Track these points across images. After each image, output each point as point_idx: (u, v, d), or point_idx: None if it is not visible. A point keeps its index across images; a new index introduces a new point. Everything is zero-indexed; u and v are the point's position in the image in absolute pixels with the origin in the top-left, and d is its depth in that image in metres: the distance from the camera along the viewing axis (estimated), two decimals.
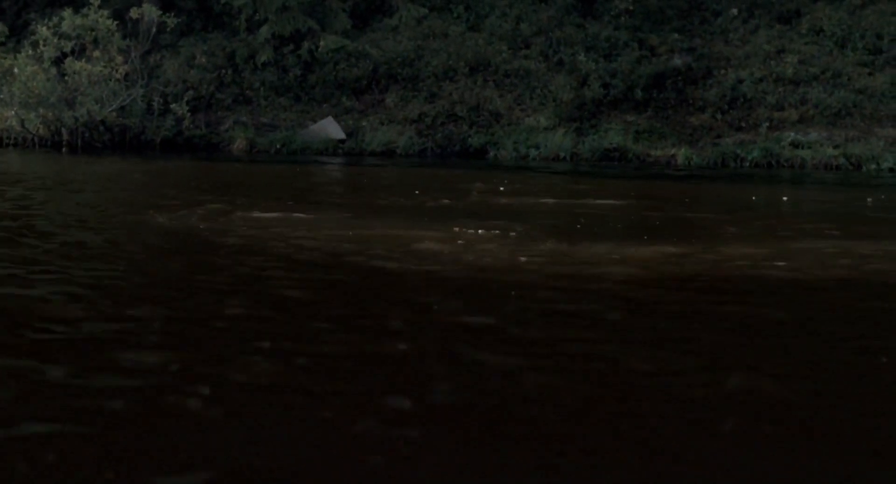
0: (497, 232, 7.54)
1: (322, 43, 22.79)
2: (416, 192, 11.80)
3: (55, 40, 21.29)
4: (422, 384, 3.68)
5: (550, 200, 11.69)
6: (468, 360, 4.04)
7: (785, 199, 12.53)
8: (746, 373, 3.89)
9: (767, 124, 20.69)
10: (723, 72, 21.82)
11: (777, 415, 3.39)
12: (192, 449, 3.03)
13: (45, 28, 21.44)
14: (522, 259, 6.23)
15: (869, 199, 12.57)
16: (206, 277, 5.81)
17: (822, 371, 3.97)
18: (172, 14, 22.86)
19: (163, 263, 6.52)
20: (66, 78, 21.07)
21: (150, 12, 22.31)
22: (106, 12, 21.78)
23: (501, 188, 12.89)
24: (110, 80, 21.35)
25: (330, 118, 21.76)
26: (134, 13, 22.18)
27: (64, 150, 20.98)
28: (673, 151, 20.27)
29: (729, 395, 3.61)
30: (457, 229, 6.68)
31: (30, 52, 21.35)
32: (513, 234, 7.48)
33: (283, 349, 4.12)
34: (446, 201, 10.77)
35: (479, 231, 7.26)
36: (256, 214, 9.01)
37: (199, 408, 3.38)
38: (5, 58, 21.71)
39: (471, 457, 2.97)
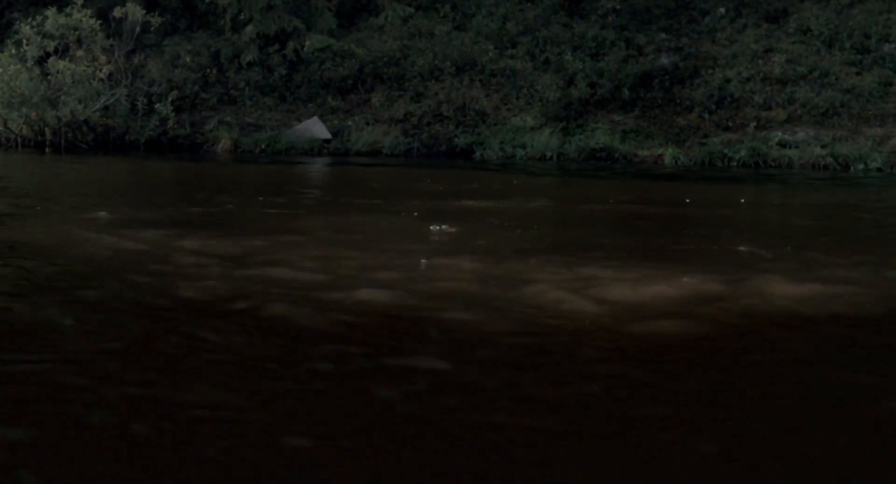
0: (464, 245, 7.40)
1: (307, 42, 22.65)
2: (391, 197, 11.68)
3: (38, 39, 21.14)
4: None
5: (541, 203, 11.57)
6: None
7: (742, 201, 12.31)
8: None
9: (755, 124, 20.59)
10: (710, 71, 21.72)
11: None
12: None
13: (28, 27, 21.28)
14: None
15: None
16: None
17: None
18: (157, 13, 22.74)
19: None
20: (50, 77, 20.91)
21: (134, 12, 22.16)
22: (89, 11, 21.63)
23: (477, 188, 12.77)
24: (94, 79, 21.19)
25: (315, 118, 21.62)
26: (118, 12, 22.04)
27: (47, 150, 20.81)
28: (660, 151, 20.17)
29: None
30: (425, 260, 6.47)
31: (13, 51, 21.19)
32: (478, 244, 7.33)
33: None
34: (425, 207, 10.64)
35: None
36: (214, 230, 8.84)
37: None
38: None
39: None
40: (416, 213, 9.11)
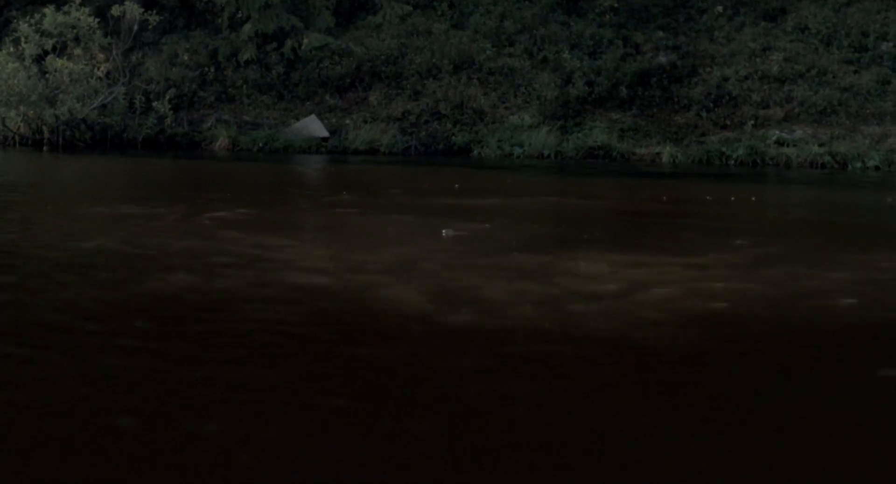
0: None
1: (305, 41, 22.66)
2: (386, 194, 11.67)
3: (37, 38, 21.15)
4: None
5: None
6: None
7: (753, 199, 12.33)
8: None
9: (752, 122, 20.60)
10: (708, 70, 21.73)
11: None
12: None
13: (26, 25, 21.28)
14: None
15: (889, 199, 12.40)
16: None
17: None
18: (154, 12, 22.75)
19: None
20: (48, 76, 20.92)
21: (132, 10, 22.17)
22: (87, 10, 21.66)
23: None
24: (92, 77, 21.20)
25: (313, 116, 21.62)
26: (116, 11, 22.05)
27: (45, 148, 20.81)
28: (658, 150, 20.17)
29: None
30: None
31: (11, 49, 21.20)
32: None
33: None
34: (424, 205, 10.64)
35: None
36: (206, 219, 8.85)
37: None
38: None
39: None
40: (424, 212, 9.11)
